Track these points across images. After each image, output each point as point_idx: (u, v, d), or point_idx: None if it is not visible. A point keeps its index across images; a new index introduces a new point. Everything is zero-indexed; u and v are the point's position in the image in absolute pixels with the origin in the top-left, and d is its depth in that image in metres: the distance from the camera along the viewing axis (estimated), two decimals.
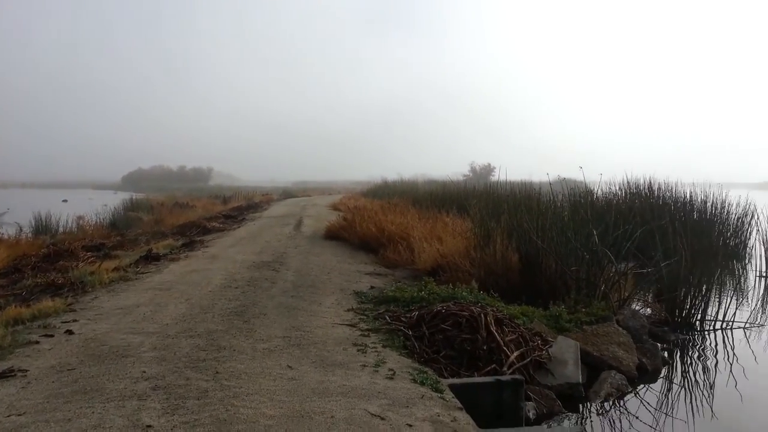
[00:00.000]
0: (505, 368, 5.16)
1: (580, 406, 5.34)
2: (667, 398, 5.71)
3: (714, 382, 6.16)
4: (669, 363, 6.55)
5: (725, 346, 7.32)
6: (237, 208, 24.83)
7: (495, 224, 9.39)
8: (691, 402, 5.61)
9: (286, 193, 43.84)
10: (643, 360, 6.14)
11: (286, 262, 9.50)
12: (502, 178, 15.18)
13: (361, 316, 6.23)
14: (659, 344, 6.90)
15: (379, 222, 12.29)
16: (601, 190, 16.09)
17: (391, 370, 4.54)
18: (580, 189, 13.01)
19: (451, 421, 3.66)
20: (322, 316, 6.17)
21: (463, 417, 3.76)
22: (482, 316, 5.54)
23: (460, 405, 3.97)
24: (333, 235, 13.19)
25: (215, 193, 39.27)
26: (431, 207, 15.19)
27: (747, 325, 7.95)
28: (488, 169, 61.71)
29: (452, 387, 4.48)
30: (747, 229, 14.77)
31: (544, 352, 5.65)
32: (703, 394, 5.85)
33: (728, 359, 6.81)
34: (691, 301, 7.89)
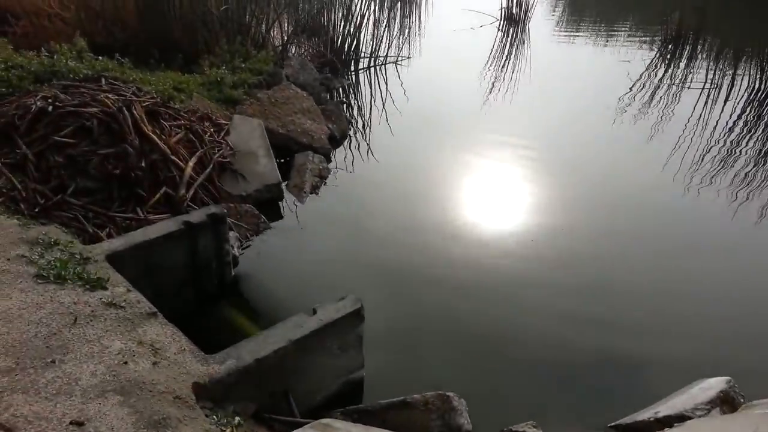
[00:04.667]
0: (182, 190, 3.39)
1: (282, 206, 4.07)
2: (346, 158, 4.93)
3: (370, 123, 5.81)
4: (350, 122, 5.66)
5: (378, 82, 6.90)
6: None
7: None
8: (358, 152, 5.04)
9: None
10: (331, 127, 5.05)
11: None
12: None
13: None
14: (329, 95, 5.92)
15: None
16: None
17: None
18: None
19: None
20: None
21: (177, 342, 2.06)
22: (125, 110, 3.39)
23: (152, 308, 2.21)
24: None
25: None
26: None
27: (398, 60, 7.57)
28: None
29: (112, 259, 2.60)
30: None
31: (224, 146, 3.97)
32: (368, 138, 5.44)
33: (382, 97, 6.47)
34: (344, 39, 6.95)
